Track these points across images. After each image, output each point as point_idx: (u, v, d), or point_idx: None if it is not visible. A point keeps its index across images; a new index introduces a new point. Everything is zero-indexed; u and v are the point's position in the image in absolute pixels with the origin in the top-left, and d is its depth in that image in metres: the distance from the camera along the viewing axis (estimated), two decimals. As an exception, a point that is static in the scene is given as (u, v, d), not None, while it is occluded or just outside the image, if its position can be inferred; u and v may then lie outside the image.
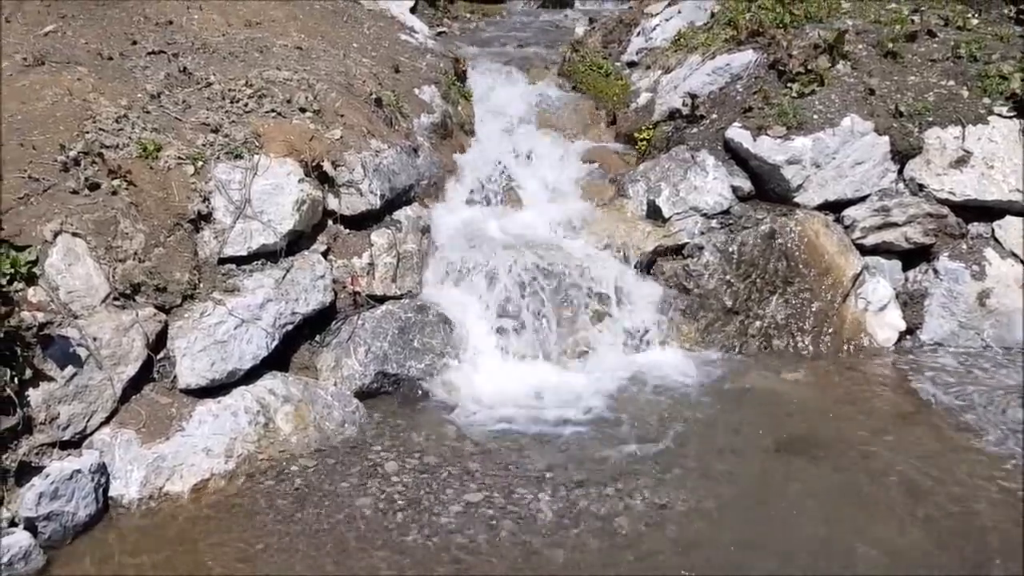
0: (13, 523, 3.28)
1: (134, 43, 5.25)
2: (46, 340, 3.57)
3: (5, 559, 3.16)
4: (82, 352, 3.65)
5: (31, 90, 4.44)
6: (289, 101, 4.91)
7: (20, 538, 3.24)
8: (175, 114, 4.61)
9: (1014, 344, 5.07)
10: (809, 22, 6.14)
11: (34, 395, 3.49)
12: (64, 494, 3.42)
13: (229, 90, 4.87)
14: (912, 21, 6.06)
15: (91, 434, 3.71)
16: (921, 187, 5.38)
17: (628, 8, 8.04)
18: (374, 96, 5.44)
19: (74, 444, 3.65)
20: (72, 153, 4.05)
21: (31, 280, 3.52)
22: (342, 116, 5.04)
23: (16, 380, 3.42)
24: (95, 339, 3.71)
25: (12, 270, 3.46)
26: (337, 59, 5.72)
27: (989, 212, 5.32)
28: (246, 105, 4.79)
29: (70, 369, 3.60)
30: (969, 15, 6.13)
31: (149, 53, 5.15)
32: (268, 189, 4.42)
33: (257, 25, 5.92)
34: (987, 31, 5.91)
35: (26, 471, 3.40)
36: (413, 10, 7.92)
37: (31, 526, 3.32)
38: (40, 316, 3.57)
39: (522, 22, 9.31)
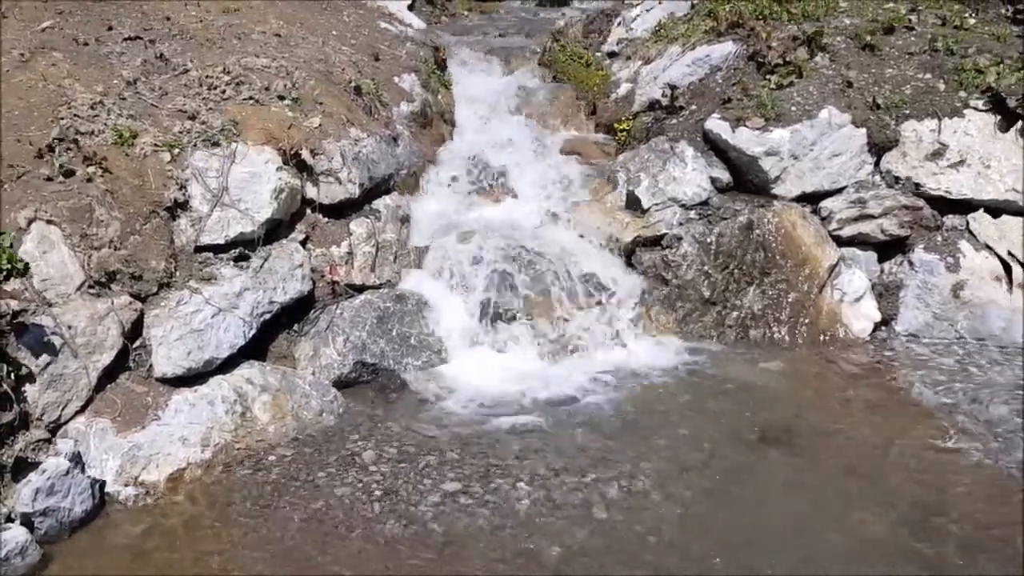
0: (9, 519, 3.25)
1: (110, 28, 5.18)
2: (20, 328, 3.53)
3: (2, 554, 3.14)
4: (56, 340, 3.62)
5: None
6: (267, 88, 4.87)
7: (16, 534, 3.21)
8: (151, 101, 4.57)
9: (987, 335, 5.13)
10: (807, 20, 6.13)
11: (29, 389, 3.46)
12: (60, 490, 3.39)
13: (207, 76, 4.83)
14: (910, 20, 6.07)
15: (66, 423, 3.68)
16: (897, 179, 5.43)
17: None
18: (353, 84, 5.41)
19: (49, 432, 3.61)
20: (48, 140, 4.00)
21: (24, 271, 3.47)
22: (321, 104, 5.01)
23: (13, 376, 3.39)
24: (70, 327, 3.68)
25: (9, 266, 3.40)
26: (316, 47, 5.68)
27: (964, 205, 5.37)
28: (223, 92, 4.75)
29: (45, 357, 3.57)
30: (966, 15, 6.14)
31: (125, 39, 5.10)
32: (246, 177, 4.40)
33: (235, 12, 5.87)
34: (984, 31, 5.92)
35: (22, 467, 3.36)
36: (411, 7, 7.85)
37: (27, 522, 3.30)
38: (14, 304, 3.54)
39: (517, 20, 9.26)
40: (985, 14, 6.19)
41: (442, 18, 8.87)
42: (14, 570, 3.17)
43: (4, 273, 3.38)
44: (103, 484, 3.61)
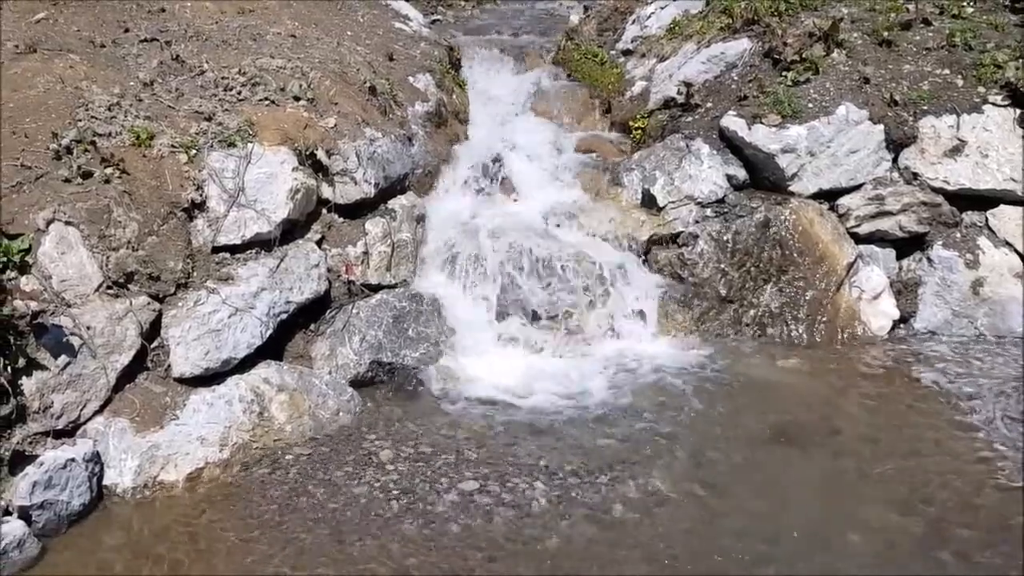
0: (7, 512, 3.29)
1: (126, 31, 5.22)
2: (39, 329, 3.56)
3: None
4: (75, 341, 3.64)
5: (23, 78, 4.42)
6: (283, 89, 4.89)
7: (14, 527, 3.24)
8: (168, 102, 4.59)
9: (1007, 332, 5.09)
10: (804, 10, 6.12)
11: (27, 384, 3.49)
12: (58, 483, 3.42)
13: (222, 78, 4.85)
14: (907, 9, 6.04)
15: (85, 423, 3.71)
16: (915, 176, 5.38)
17: (624, -5, 8.00)
18: (368, 84, 5.42)
19: (68, 433, 3.65)
20: (64, 141, 4.03)
21: (24, 268, 3.51)
22: (336, 104, 5.02)
23: (9, 369, 3.41)
24: (88, 328, 3.70)
25: (5, 258, 3.45)
26: (331, 47, 5.69)
27: (983, 201, 5.33)
28: (239, 93, 4.77)
29: (64, 358, 3.59)
30: (964, 3, 6.10)
31: (142, 41, 5.12)
32: (262, 178, 4.41)
33: (250, 13, 5.89)
34: (982, 19, 5.90)
35: (20, 460, 3.40)
36: (408, -2, 7.87)
37: (25, 515, 3.32)
38: (33, 305, 3.56)
39: (516, 10, 9.27)
40: (984, 3, 6.13)
41: (439, 8, 8.87)
42: (12, 563, 3.20)
43: (0, 266, 3.41)
44: (101, 477, 3.63)
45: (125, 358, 3.82)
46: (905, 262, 5.41)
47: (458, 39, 7.45)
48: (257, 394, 4.09)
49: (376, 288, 4.83)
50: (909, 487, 3.76)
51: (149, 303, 3.95)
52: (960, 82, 5.49)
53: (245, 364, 4.17)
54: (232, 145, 4.40)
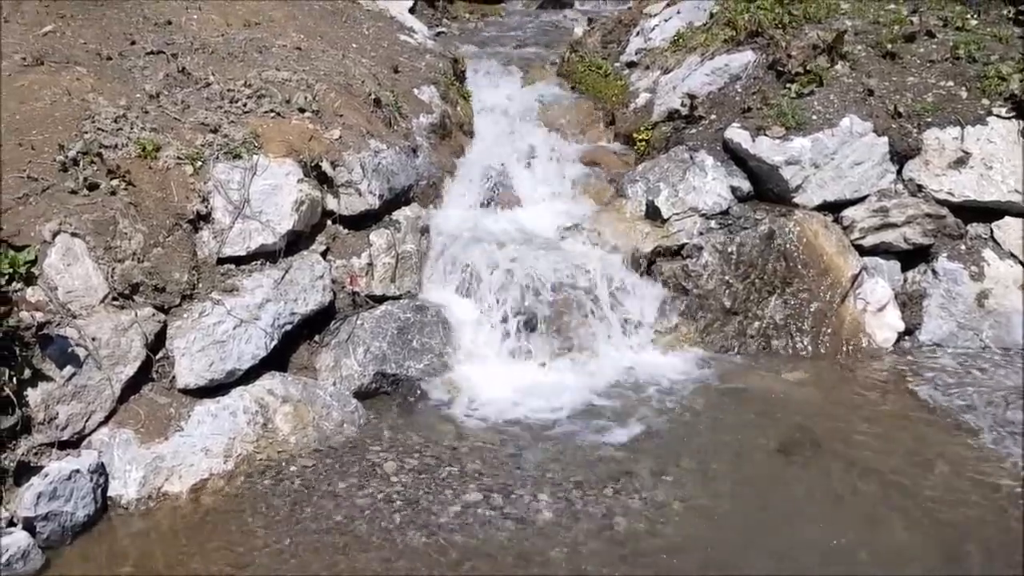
0: (12, 523, 3.29)
1: (133, 43, 5.25)
2: (45, 340, 3.57)
3: (3, 559, 3.16)
4: (81, 352, 3.65)
5: (29, 90, 4.44)
6: (288, 101, 4.91)
7: (19, 538, 3.24)
8: (174, 114, 4.61)
9: (1013, 345, 5.07)
10: (808, 22, 6.14)
11: (33, 395, 3.50)
12: (63, 494, 3.42)
13: (228, 90, 4.88)
14: (911, 22, 6.05)
15: (90, 434, 3.71)
16: (920, 188, 5.38)
17: (627, 8, 8.04)
18: (373, 96, 5.44)
19: (73, 444, 3.65)
20: (71, 153, 4.05)
21: (30, 280, 3.52)
22: (341, 116, 5.04)
23: (15, 380, 3.42)
24: (94, 339, 3.71)
25: (11, 270, 3.46)
26: (336, 59, 5.72)
27: (988, 213, 5.33)
28: (245, 105, 4.79)
29: (69, 369, 3.60)
30: (968, 16, 6.12)
31: (148, 53, 5.15)
32: (267, 189, 4.43)
33: (256, 25, 5.92)
34: (986, 32, 5.91)
35: (25, 471, 3.41)
36: (412, 10, 7.92)
37: (29, 526, 3.32)
38: (39, 316, 3.58)
39: (520, 22, 9.32)
40: (987, 15, 6.14)
41: (443, 20, 8.93)
42: (16, 575, 3.19)
43: (6, 277, 3.42)
44: (105, 489, 3.63)
45: (130, 369, 3.83)
46: (910, 274, 5.41)
47: (463, 51, 7.48)
48: (261, 405, 4.09)
49: (380, 299, 4.84)
50: (914, 502, 3.75)
51: (154, 314, 3.96)
52: (964, 94, 5.50)
53: (250, 375, 4.18)
54: (238, 157, 4.42)
